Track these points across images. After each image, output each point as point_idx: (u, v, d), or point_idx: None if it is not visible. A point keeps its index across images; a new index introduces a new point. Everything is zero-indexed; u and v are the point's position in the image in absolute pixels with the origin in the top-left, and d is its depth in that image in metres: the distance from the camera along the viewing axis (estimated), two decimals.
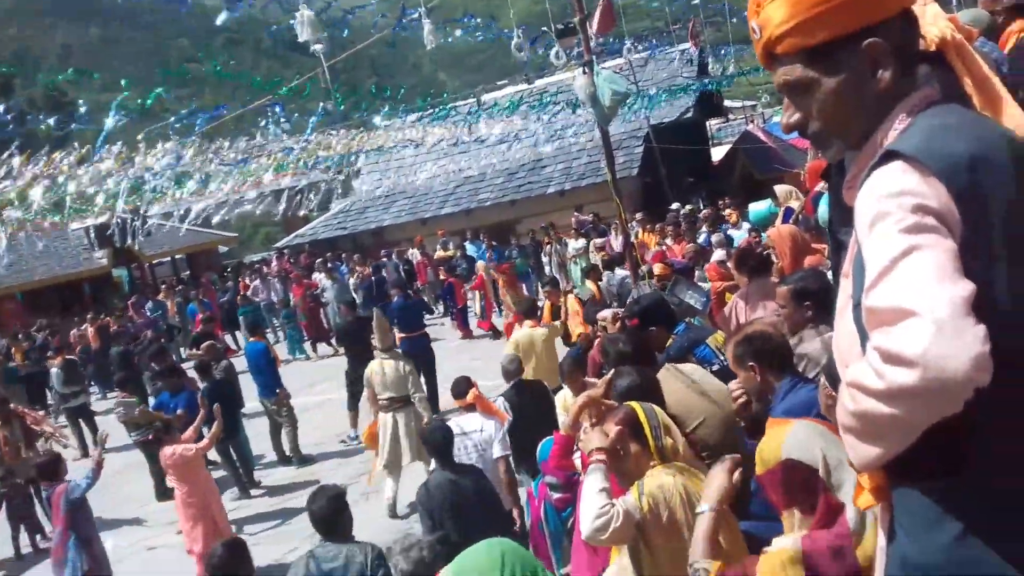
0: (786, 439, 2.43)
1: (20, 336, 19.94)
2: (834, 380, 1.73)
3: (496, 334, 15.72)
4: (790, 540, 2.25)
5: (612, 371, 3.49)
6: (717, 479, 2.53)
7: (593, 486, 2.78)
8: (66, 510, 6.45)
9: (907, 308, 1.38)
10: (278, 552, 7.70)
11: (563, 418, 3.94)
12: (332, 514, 4.28)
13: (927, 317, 1.35)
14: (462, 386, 6.30)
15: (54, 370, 13.89)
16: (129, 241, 19.79)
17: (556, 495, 4.86)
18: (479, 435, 6.02)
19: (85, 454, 13.11)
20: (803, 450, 2.38)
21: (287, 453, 10.48)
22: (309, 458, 10.45)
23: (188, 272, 31.64)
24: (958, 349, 1.33)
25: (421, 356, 10.55)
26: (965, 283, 1.38)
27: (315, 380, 14.80)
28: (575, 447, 3.60)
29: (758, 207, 12.29)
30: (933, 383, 1.35)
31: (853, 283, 1.62)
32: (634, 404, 3.10)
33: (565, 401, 5.67)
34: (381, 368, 8.12)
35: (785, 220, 8.90)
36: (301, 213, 24.38)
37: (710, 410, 3.72)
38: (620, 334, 4.17)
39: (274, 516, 8.90)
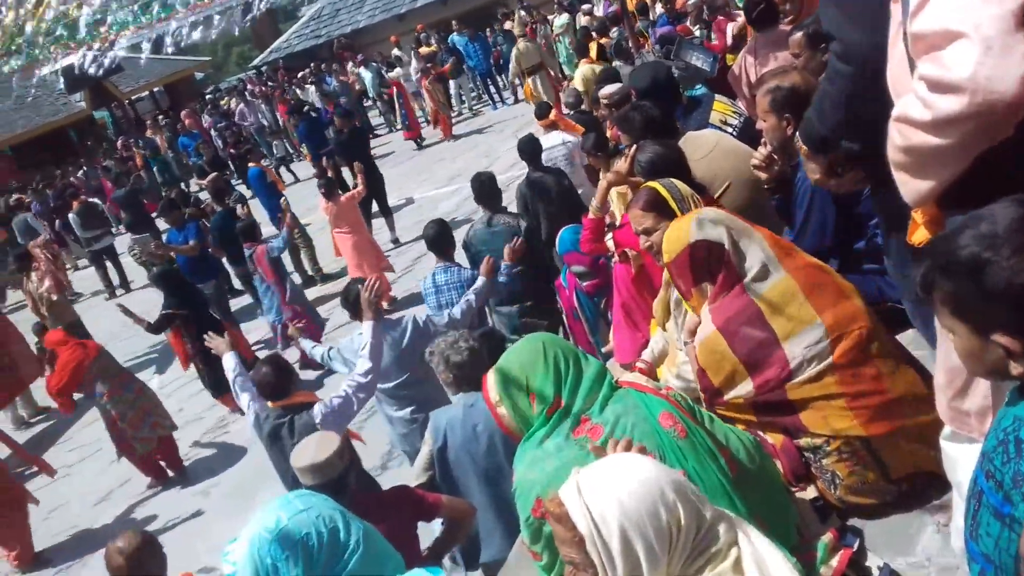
0: (690, 225, 2.51)
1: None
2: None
3: (420, 144, 16.04)
4: (706, 325, 2.45)
5: (635, 145, 3.39)
6: None
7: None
8: (269, 266, 7.92)
9: (953, 29, 1.29)
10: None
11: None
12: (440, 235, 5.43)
13: (974, 37, 1.27)
14: (544, 108, 7.62)
15: (71, 215, 13.82)
16: (100, 75, 19.04)
17: (586, 283, 4.91)
18: (563, 147, 7.11)
19: (112, 294, 13.39)
20: (708, 231, 2.47)
21: (309, 273, 10.61)
22: (332, 274, 10.58)
23: (169, 104, 30.74)
24: (1007, 69, 1.25)
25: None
26: None
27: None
28: (605, 229, 3.59)
29: None
30: (982, 107, 1.28)
31: (903, 7, 1.52)
32: (653, 184, 3.04)
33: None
34: (525, 47, 13.82)
35: None
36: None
37: (734, 173, 3.66)
38: (643, 101, 3.99)
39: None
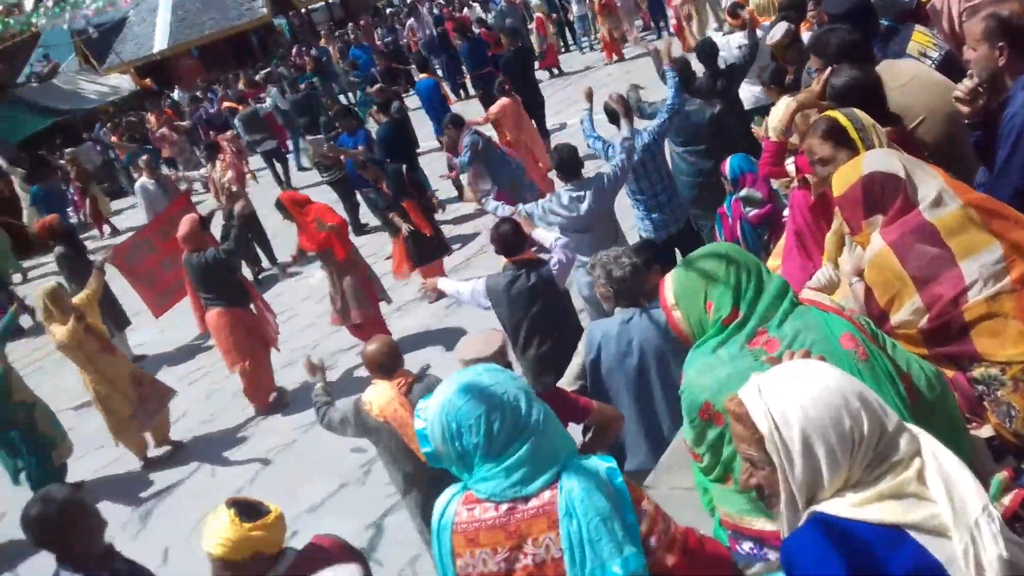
0: (864, 159, 2.48)
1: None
2: None
3: (554, 74, 16.16)
4: (875, 244, 2.40)
5: (828, 69, 3.26)
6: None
7: None
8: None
9: None
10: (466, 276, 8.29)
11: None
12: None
13: None
14: (735, 7, 7.89)
15: (236, 120, 14.56)
16: None
17: (752, 212, 4.82)
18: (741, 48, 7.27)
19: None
20: (883, 163, 2.43)
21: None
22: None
23: (343, 15, 31.59)
24: None
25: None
26: None
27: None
28: (786, 153, 3.49)
29: None
30: None
31: None
32: (832, 113, 2.94)
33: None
34: None
35: None
36: None
37: (932, 106, 3.47)
38: (839, 24, 3.81)
39: (453, 241, 9.37)
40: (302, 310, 9.15)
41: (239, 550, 2.57)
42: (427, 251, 8.02)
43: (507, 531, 1.91)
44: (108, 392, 6.54)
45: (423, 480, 3.91)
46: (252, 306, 7.15)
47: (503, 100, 9.39)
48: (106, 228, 15.70)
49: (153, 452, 6.96)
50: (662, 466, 3.22)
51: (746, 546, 2.20)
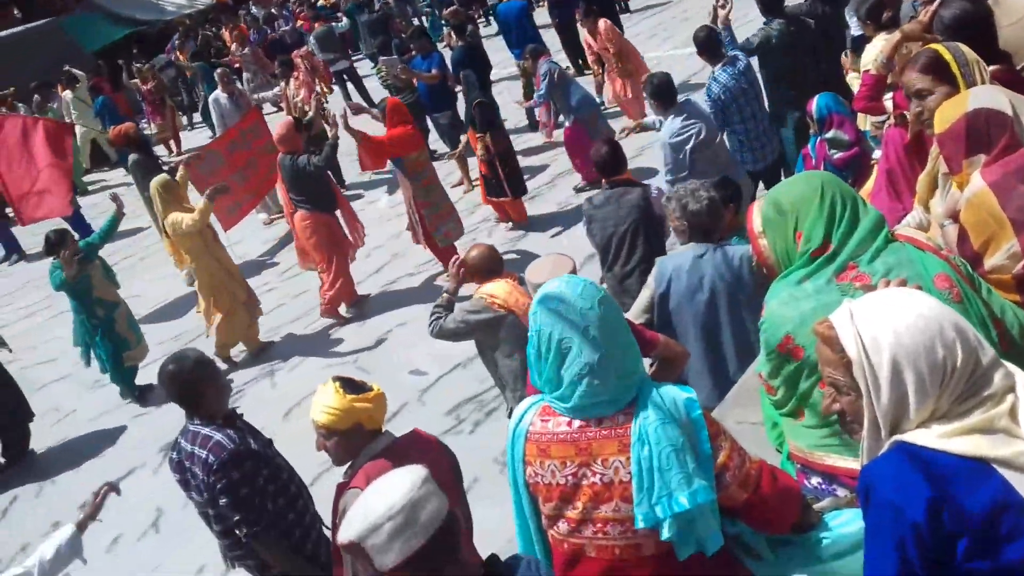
0: (969, 95, 2.40)
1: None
2: None
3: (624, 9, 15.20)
4: (974, 185, 2.28)
5: (937, 1, 3.09)
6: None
7: None
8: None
9: None
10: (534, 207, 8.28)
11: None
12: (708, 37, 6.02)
13: None
14: None
15: (311, 38, 14.47)
16: None
17: (837, 154, 4.64)
18: None
19: (357, 111, 14.10)
20: (990, 99, 2.33)
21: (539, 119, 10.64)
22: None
23: None
24: None
25: None
26: None
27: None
28: (885, 87, 3.34)
29: None
30: None
31: None
32: (935, 46, 2.79)
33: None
34: None
35: None
36: None
37: None
38: None
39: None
40: (370, 230, 9.21)
41: (343, 419, 2.69)
42: (490, 187, 8.12)
43: (578, 447, 1.92)
44: (227, 279, 6.89)
45: None
46: (339, 214, 7.40)
47: (604, 22, 9.43)
48: (173, 145, 15.89)
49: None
50: (729, 400, 3.19)
51: (815, 481, 2.18)
